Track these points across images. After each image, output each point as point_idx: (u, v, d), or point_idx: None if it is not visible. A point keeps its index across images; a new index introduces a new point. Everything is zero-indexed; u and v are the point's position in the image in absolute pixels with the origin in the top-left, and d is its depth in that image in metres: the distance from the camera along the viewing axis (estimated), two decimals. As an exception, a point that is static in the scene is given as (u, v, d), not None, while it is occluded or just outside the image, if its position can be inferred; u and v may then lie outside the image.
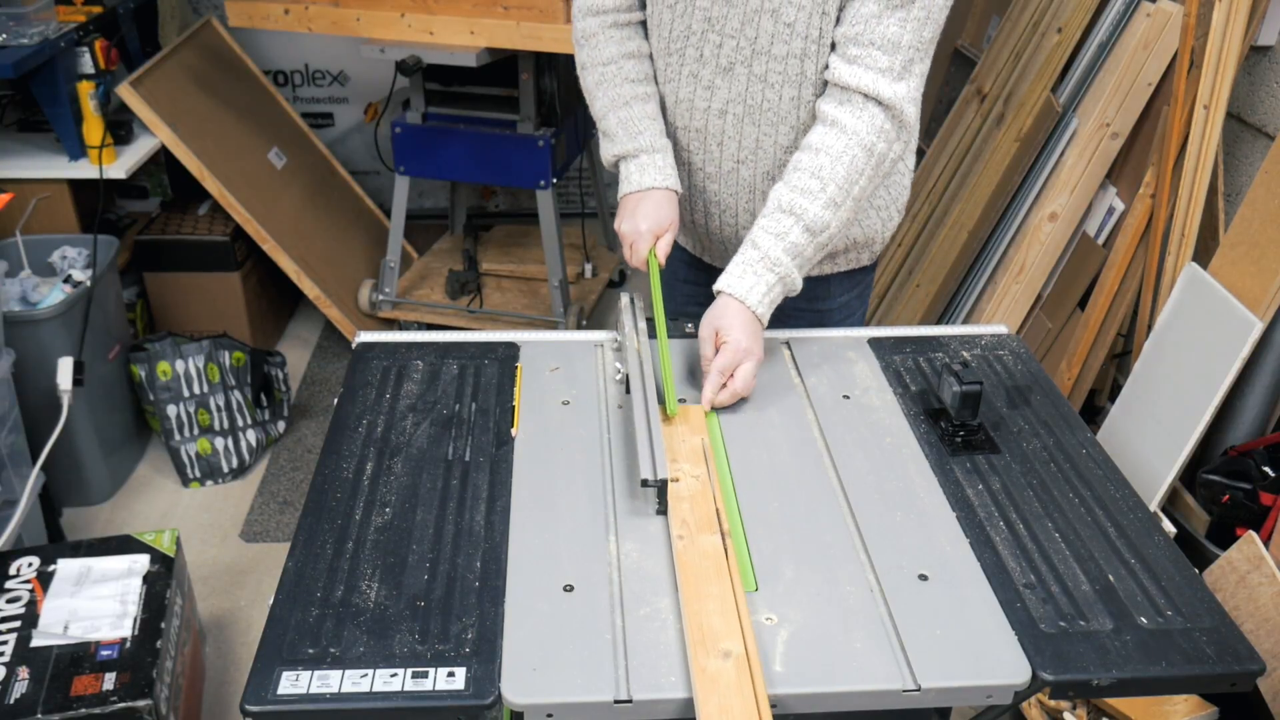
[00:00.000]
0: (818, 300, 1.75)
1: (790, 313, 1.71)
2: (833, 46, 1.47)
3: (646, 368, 1.42)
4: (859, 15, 1.42)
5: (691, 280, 1.87)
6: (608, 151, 1.66)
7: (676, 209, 1.62)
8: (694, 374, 1.52)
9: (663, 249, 1.59)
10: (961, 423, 1.38)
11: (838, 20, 1.46)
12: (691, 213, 1.72)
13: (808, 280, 1.59)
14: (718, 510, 1.22)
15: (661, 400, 1.39)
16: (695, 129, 1.61)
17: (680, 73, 1.58)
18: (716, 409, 1.44)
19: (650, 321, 1.56)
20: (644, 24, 1.64)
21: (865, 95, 1.44)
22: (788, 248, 1.46)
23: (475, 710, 1.00)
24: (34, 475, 2.30)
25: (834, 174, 1.44)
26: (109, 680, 1.74)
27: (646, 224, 1.58)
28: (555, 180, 3.11)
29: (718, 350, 1.44)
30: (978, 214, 2.78)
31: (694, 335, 1.59)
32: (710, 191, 1.66)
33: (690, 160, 1.65)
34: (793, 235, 1.45)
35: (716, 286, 1.48)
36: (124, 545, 2.03)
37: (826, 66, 1.48)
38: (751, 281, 1.46)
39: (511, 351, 1.57)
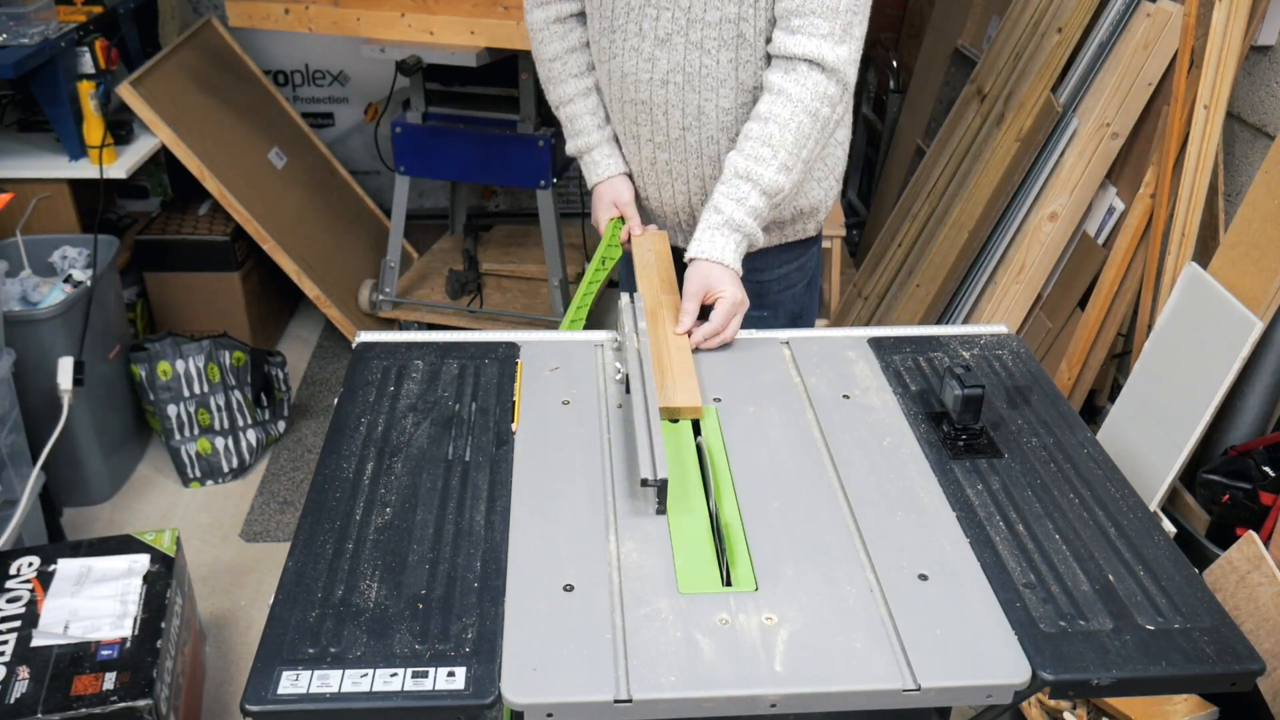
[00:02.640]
0: (756, 272, 1.81)
1: None
2: (771, 23, 1.57)
3: (647, 367, 1.42)
4: None
5: None
6: (568, 145, 1.84)
7: (629, 185, 1.81)
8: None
9: (633, 217, 1.79)
10: (964, 426, 1.38)
11: None
12: (644, 186, 1.81)
13: (746, 255, 1.72)
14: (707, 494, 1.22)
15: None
16: (640, 101, 1.69)
17: (622, 48, 1.66)
18: (719, 400, 1.45)
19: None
20: (581, 15, 1.75)
21: (809, 62, 1.54)
22: (749, 210, 1.58)
23: (475, 710, 1.00)
24: (34, 475, 2.30)
25: (783, 140, 1.56)
26: (109, 680, 1.74)
27: (607, 210, 1.81)
28: (555, 180, 3.11)
29: (712, 305, 1.57)
30: (978, 214, 2.78)
31: None
32: (660, 161, 1.75)
33: (638, 132, 1.74)
34: (751, 199, 1.58)
35: (690, 254, 1.60)
36: (124, 545, 2.03)
37: (764, 32, 1.58)
38: (722, 243, 1.58)
39: (511, 351, 1.57)
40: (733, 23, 1.57)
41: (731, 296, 1.56)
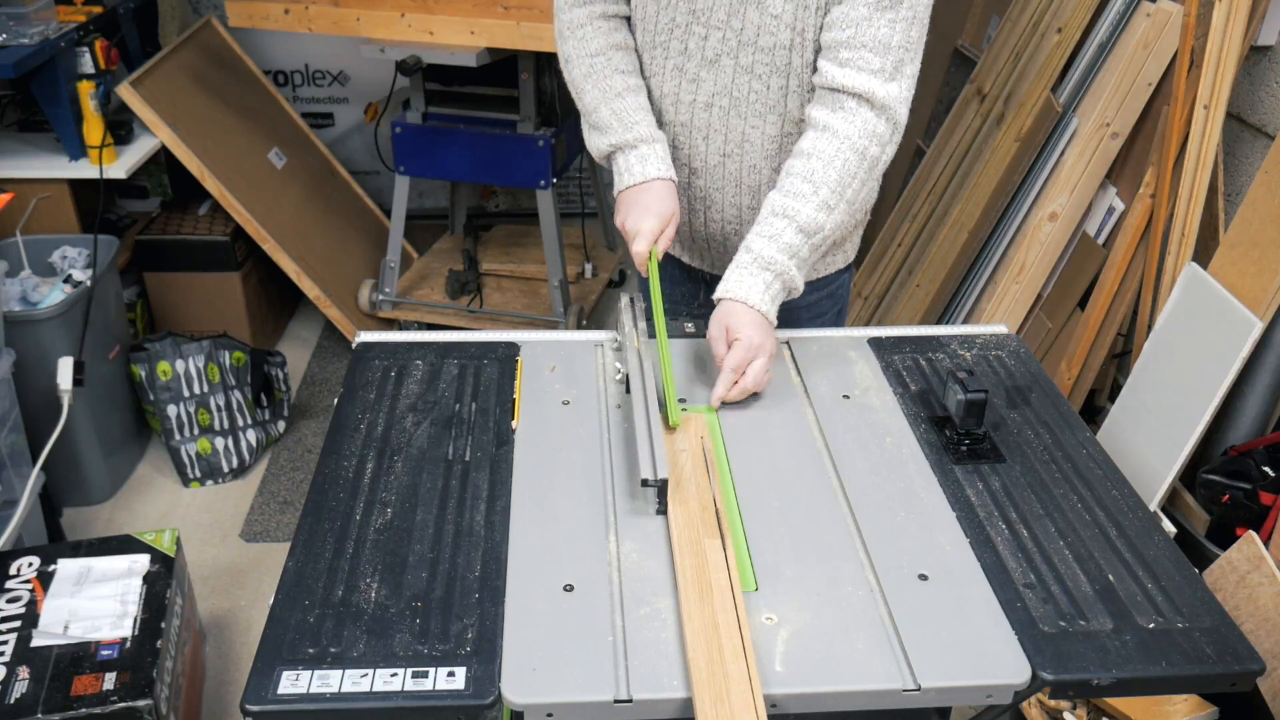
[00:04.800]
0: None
1: None
2: (817, 52, 1.49)
3: (647, 367, 1.42)
4: (848, 19, 1.43)
5: (682, 282, 1.89)
6: (600, 143, 1.63)
7: (676, 200, 1.61)
8: (696, 373, 1.52)
9: (664, 244, 1.57)
10: (966, 431, 1.38)
11: (823, 23, 1.47)
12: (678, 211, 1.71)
13: None
14: (718, 513, 1.22)
15: (663, 406, 1.39)
16: (680, 123, 1.62)
17: (665, 66, 1.59)
18: (725, 404, 1.44)
19: (650, 322, 1.57)
20: (628, 19, 1.63)
21: (858, 97, 1.45)
22: (782, 247, 1.46)
23: (475, 710, 1.00)
24: (34, 475, 2.30)
25: (826, 178, 1.46)
26: (109, 680, 1.74)
27: (652, 217, 1.55)
28: (555, 180, 3.11)
29: (729, 347, 1.44)
30: (978, 214, 2.78)
31: (694, 335, 1.60)
32: (696, 187, 1.67)
33: (676, 156, 1.65)
34: (786, 236, 1.46)
35: (716, 295, 1.49)
36: (124, 545, 2.03)
37: (814, 63, 1.50)
38: (749, 283, 1.47)
39: (511, 351, 1.57)
40: (785, 49, 1.49)
41: (748, 340, 1.43)
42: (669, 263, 1.87)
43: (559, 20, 1.65)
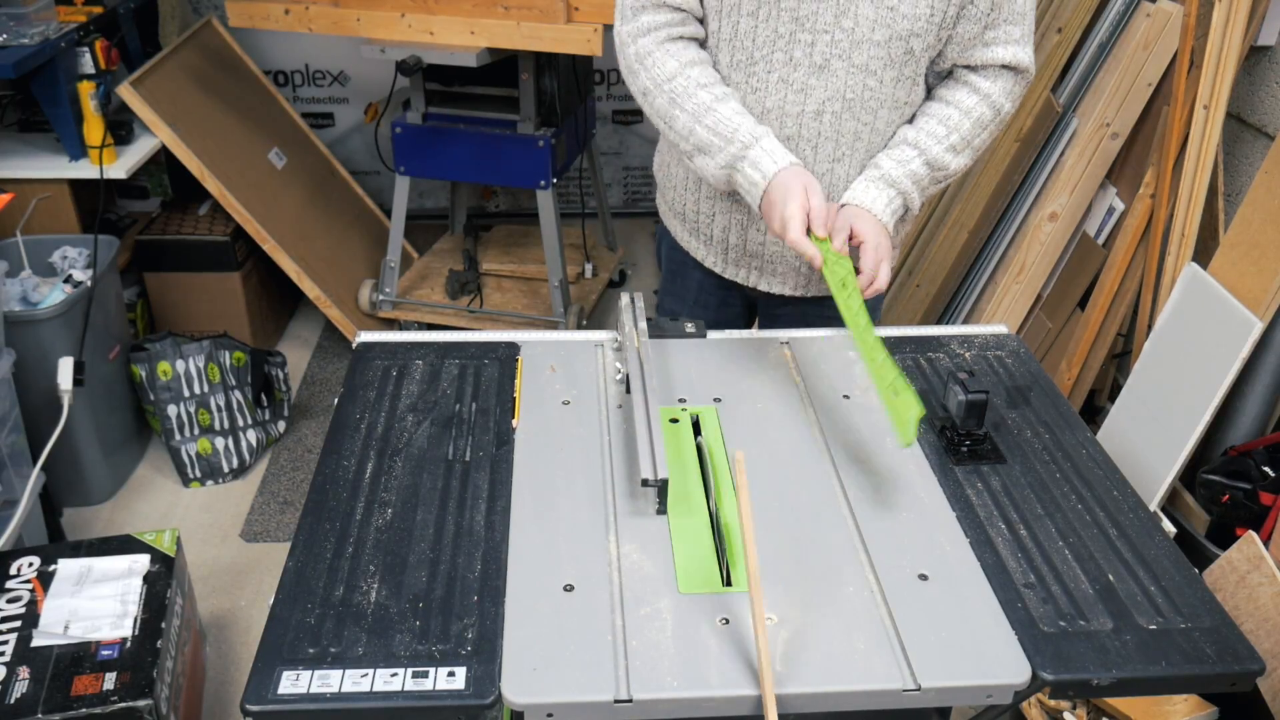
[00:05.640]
0: (831, 308, 1.70)
1: (804, 322, 1.72)
2: (946, 39, 1.52)
3: (647, 368, 1.42)
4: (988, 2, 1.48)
5: (710, 288, 1.82)
6: (710, 167, 1.53)
7: (809, 174, 1.49)
8: (696, 373, 1.52)
9: (818, 219, 1.44)
10: (967, 432, 1.38)
11: (958, 13, 1.49)
12: (755, 223, 1.64)
13: (808, 301, 1.66)
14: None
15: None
16: (786, 136, 1.55)
17: (766, 81, 1.52)
18: (728, 403, 1.44)
19: (651, 321, 1.57)
20: (695, 40, 1.56)
21: (1004, 66, 1.54)
22: (908, 173, 1.54)
23: (475, 710, 1.00)
24: (34, 475, 2.30)
25: (960, 125, 1.54)
26: (109, 680, 1.74)
27: (790, 202, 1.43)
28: (555, 180, 3.11)
29: (856, 247, 1.46)
30: (978, 214, 2.78)
31: (694, 335, 1.60)
32: None
33: None
34: (913, 165, 1.54)
35: (844, 200, 1.54)
36: (124, 545, 2.03)
37: (933, 48, 1.51)
38: (875, 194, 1.53)
39: (512, 351, 1.57)
40: (903, 39, 1.47)
41: (876, 243, 1.46)
42: (700, 274, 1.80)
43: (625, 55, 1.57)
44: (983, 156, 2.80)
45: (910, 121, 1.58)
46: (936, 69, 1.58)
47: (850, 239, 1.47)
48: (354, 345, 1.59)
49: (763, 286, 1.74)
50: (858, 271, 1.44)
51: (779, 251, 1.67)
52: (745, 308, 1.86)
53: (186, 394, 2.77)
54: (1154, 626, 1.10)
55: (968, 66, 1.55)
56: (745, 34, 1.51)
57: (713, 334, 1.63)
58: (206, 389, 2.79)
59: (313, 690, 1.00)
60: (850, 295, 1.39)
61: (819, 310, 1.73)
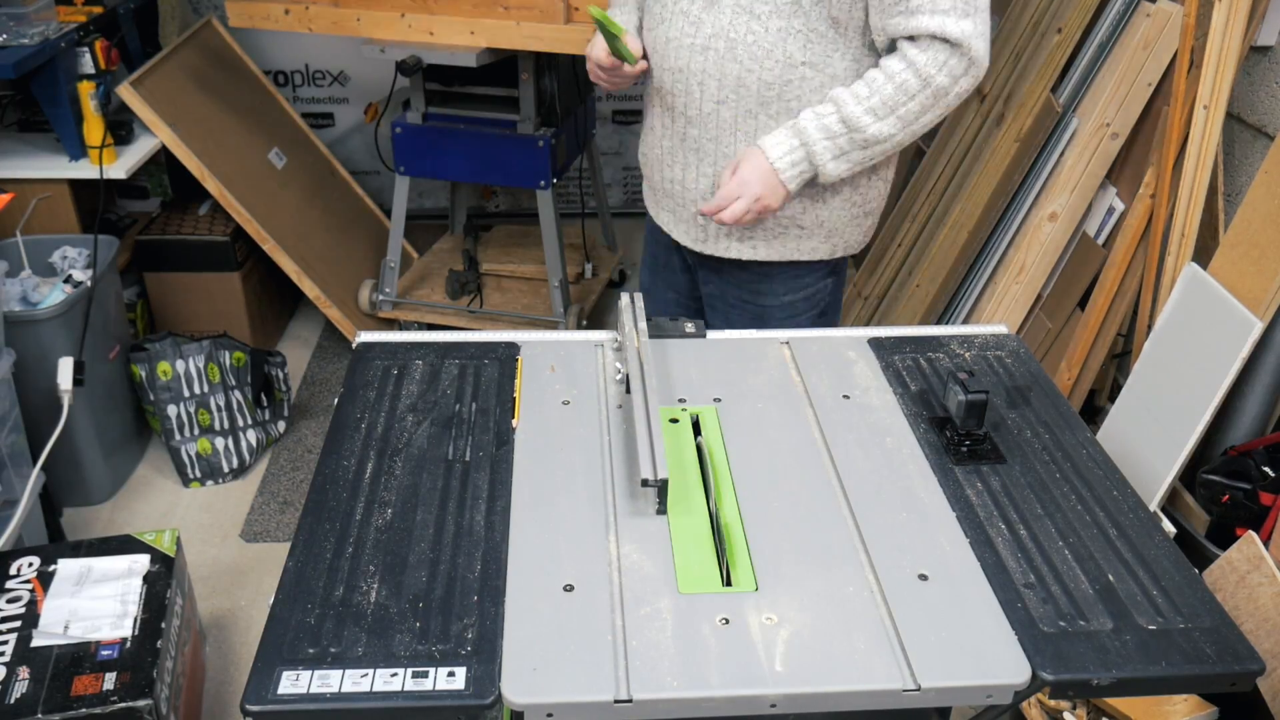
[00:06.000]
0: (758, 295, 1.78)
1: (733, 302, 1.79)
2: (857, 2, 1.56)
3: (647, 368, 1.42)
4: None
5: (679, 269, 1.93)
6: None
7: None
8: (696, 373, 1.52)
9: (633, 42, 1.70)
10: (967, 431, 1.38)
11: None
12: (670, 165, 1.76)
13: (749, 268, 1.70)
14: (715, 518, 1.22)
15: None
16: (678, 69, 1.67)
17: (672, 11, 1.65)
18: (726, 403, 1.45)
19: (651, 321, 1.57)
20: None
21: (932, 36, 1.53)
22: (820, 126, 1.58)
23: (475, 710, 1.00)
24: (34, 475, 2.30)
25: (882, 88, 1.56)
26: (109, 680, 1.74)
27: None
28: (555, 180, 3.11)
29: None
30: (978, 214, 2.78)
31: (694, 335, 1.61)
32: (690, 137, 1.71)
33: (673, 103, 1.70)
34: (827, 119, 1.58)
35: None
36: (124, 545, 2.03)
37: (831, 6, 1.54)
38: (777, 138, 1.60)
39: (512, 351, 1.57)
40: None
41: (741, 178, 1.59)
42: (667, 250, 1.93)
43: None
44: (985, 158, 2.80)
45: None
46: (875, 41, 1.62)
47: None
48: (354, 345, 1.59)
49: (676, 235, 1.85)
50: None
51: (681, 194, 1.78)
52: (685, 270, 1.95)
53: (186, 394, 2.77)
54: (1154, 626, 1.10)
55: (908, 39, 1.56)
56: None
57: (713, 334, 1.64)
58: (206, 389, 2.79)
59: (313, 690, 1.00)
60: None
61: (739, 277, 1.82)
